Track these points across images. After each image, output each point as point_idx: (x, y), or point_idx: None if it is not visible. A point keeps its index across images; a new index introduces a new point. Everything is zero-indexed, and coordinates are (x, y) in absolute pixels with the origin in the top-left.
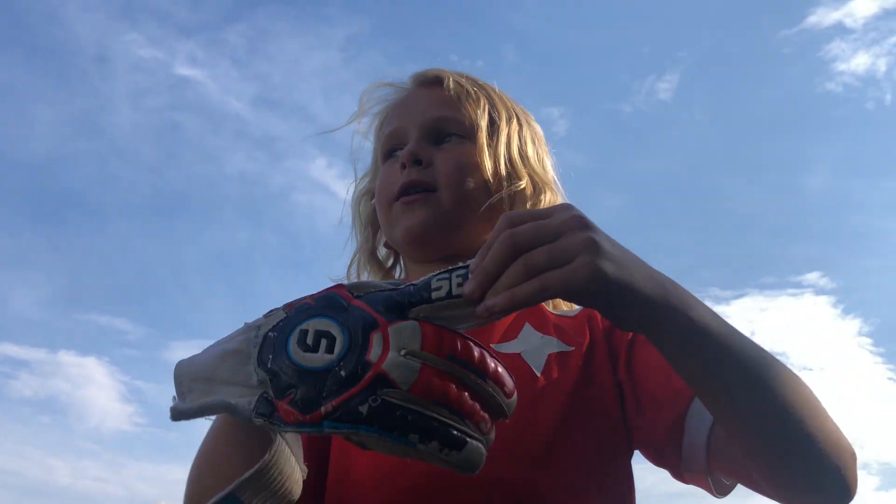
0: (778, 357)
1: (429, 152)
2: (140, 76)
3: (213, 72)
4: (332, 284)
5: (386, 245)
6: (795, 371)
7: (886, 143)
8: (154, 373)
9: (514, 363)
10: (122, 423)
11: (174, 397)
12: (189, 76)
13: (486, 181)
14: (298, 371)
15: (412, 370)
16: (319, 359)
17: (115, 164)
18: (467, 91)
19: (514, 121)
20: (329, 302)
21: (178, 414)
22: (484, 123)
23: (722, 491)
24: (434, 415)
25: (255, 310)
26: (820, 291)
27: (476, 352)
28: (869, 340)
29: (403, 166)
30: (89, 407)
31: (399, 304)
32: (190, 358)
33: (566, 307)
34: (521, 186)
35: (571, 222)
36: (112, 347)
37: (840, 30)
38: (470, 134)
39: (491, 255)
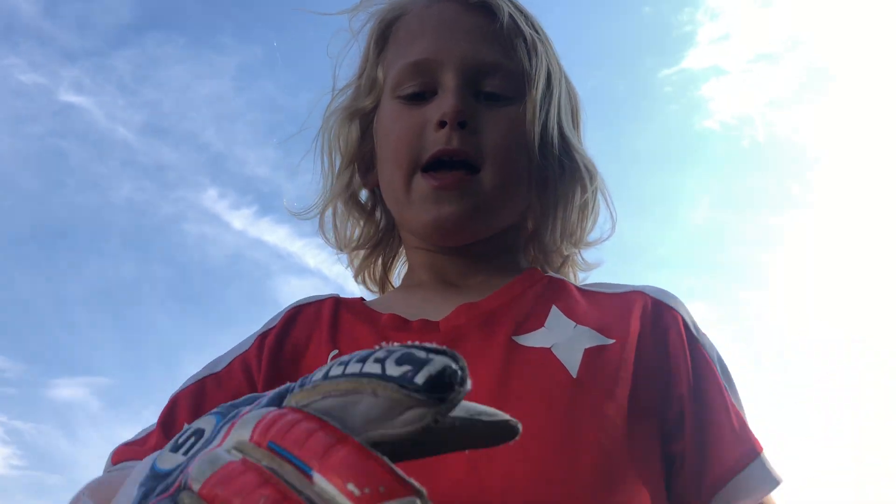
0: None
1: (474, 111)
2: (21, 102)
3: (100, 98)
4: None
5: (368, 186)
6: None
7: (760, 179)
8: (34, 412)
9: (544, 360)
10: None
11: None
12: (74, 102)
13: (530, 153)
14: (150, 477)
15: (212, 464)
16: (174, 459)
17: None
18: (523, 32)
19: (564, 79)
20: (250, 399)
21: None
22: (542, 81)
23: None
24: None
25: (143, 344)
26: (704, 322)
27: (307, 440)
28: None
29: (442, 124)
30: None
31: (284, 393)
32: (103, 479)
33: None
34: (570, 168)
35: None
36: None
37: (716, 71)
38: (518, 89)
39: None
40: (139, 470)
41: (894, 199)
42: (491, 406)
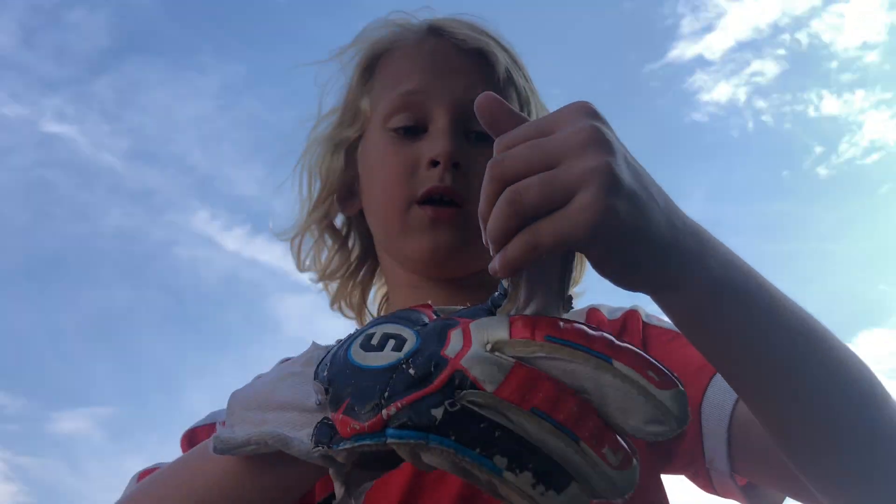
0: None
1: (465, 153)
2: (4, 135)
3: (83, 126)
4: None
5: (347, 213)
6: None
7: (752, 168)
8: (37, 447)
9: None
10: None
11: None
12: (57, 132)
13: None
14: (356, 371)
15: (500, 366)
16: (384, 356)
17: None
18: (516, 84)
19: None
20: (406, 314)
21: (223, 446)
22: None
23: None
24: (533, 433)
25: (142, 371)
26: None
27: (590, 338)
28: None
29: (434, 163)
30: None
31: (486, 310)
32: (250, 383)
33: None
34: None
35: (577, 138)
36: None
37: (701, 62)
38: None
39: (482, 196)
40: (303, 360)
41: (887, 178)
42: None
